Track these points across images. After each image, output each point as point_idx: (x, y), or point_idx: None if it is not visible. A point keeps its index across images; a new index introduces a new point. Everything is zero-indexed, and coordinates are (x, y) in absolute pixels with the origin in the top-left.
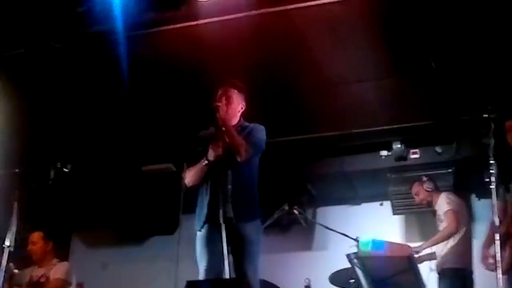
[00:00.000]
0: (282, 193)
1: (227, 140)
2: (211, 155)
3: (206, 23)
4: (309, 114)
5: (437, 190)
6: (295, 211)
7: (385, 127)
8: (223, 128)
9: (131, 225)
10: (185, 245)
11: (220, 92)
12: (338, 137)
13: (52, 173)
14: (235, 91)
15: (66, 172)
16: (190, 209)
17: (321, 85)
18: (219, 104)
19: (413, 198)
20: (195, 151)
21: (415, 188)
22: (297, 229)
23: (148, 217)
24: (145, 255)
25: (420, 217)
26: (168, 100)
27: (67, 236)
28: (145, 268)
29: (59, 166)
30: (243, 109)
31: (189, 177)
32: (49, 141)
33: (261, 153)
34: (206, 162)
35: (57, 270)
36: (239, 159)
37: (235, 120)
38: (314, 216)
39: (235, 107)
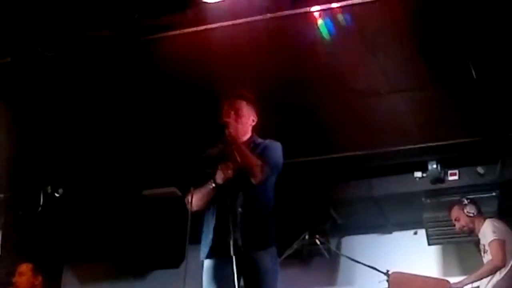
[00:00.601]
0: (302, 221)
1: (239, 160)
2: (219, 177)
3: (214, 28)
4: (333, 131)
5: (481, 215)
6: (317, 241)
7: (419, 145)
8: (234, 146)
9: (131, 258)
10: (192, 279)
11: (226, 105)
12: (366, 157)
13: (41, 198)
14: (244, 102)
15: (58, 197)
16: (198, 239)
17: (346, 97)
18: (228, 119)
19: (452, 225)
20: (201, 173)
21: (455, 212)
22: (319, 261)
23: (150, 248)
24: None
25: (460, 247)
26: (173, 114)
27: (58, 269)
28: None
29: (49, 191)
30: (255, 122)
31: (195, 201)
32: (39, 162)
33: (278, 173)
34: (214, 185)
35: None
36: (254, 182)
37: (246, 136)
38: (338, 246)
39: (246, 121)
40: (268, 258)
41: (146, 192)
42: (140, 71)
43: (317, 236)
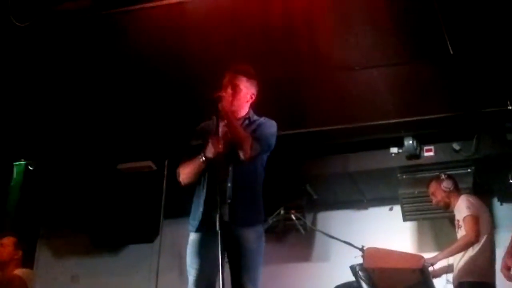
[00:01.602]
0: (277, 196)
1: (230, 134)
2: (209, 151)
3: (190, 1)
4: (308, 105)
5: (457, 190)
6: (292, 216)
7: (395, 120)
8: (226, 121)
9: (106, 232)
10: (167, 254)
11: (226, 79)
12: (342, 132)
13: (14, 171)
14: (244, 78)
15: (31, 170)
16: (173, 214)
17: (322, 71)
18: (223, 94)
19: (427, 201)
20: (193, 145)
21: (432, 187)
22: (295, 236)
23: (125, 223)
24: (121, 266)
25: (434, 223)
26: (148, 88)
27: (32, 243)
28: (121, 281)
29: (22, 164)
30: (253, 99)
31: (184, 174)
32: (11, 136)
33: (269, 151)
34: (204, 158)
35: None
36: (242, 157)
37: (242, 112)
38: (314, 222)
39: (243, 97)
40: (253, 236)
41: (121, 166)
42: (118, 45)
43: (293, 211)
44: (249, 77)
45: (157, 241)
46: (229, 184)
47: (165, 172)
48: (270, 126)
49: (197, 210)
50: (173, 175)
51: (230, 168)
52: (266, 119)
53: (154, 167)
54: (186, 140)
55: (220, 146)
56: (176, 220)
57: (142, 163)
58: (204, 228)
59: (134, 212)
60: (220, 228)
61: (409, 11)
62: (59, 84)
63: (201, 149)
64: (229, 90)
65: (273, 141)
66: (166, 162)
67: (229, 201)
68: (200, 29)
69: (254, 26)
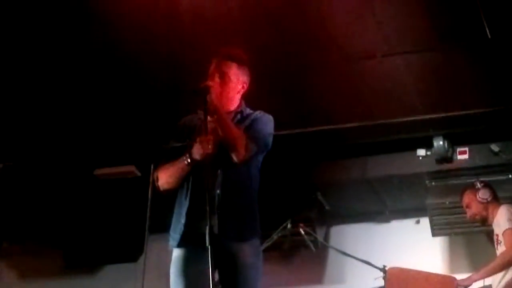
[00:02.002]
0: (284, 207)
1: (220, 132)
2: (197, 152)
3: None
4: (321, 100)
5: (496, 201)
6: (301, 231)
7: (423, 117)
8: (215, 116)
9: (81, 249)
10: (152, 275)
11: (212, 66)
12: (360, 131)
13: None
14: (234, 64)
15: None
16: (160, 228)
17: (338, 61)
18: (211, 83)
19: (460, 213)
20: (174, 144)
21: (466, 198)
22: (304, 255)
23: (104, 238)
24: None
25: (469, 239)
26: (129, 82)
27: None
28: None
29: None
30: (245, 89)
31: (163, 178)
32: None
33: (266, 151)
34: (189, 160)
35: None
36: (235, 159)
37: (233, 105)
38: (326, 237)
39: (233, 87)
40: (248, 251)
41: (98, 172)
42: (93, 34)
43: (301, 225)
44: (240, 63)
45: (141, 260)
46: (218, 191)
47: (151, 179)
48: (267, 121)
49: (179, 221)
50: None
51: (219, 172)
52: (262, 112)
53: (138, 173)
54: (165, 137)
55: (209, 146)
56: (164, 235)
57: (123, 168)
58: (188, 243)
59: (115, 226)
60: (211, 243)
61: None
62: (29, 79)
63: (185, 149)
64: (217, 79)
65: (270, 139)
66: (151, 167)
67: (218, 211)
68: (190, 11)
69: (255, 6)
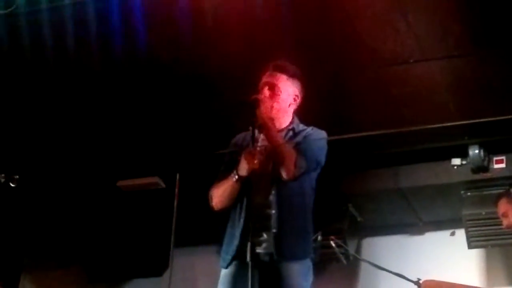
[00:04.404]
0: (314, 218)
1: (270, 150)
2: (243, 168)
3: None
4: (352, 106)
5: None
6: (332, 243)
7: (458, 124)
8: (264, 131)
9: (103, 263)
10: None
11: (263, 80)
12: (392, 139)
13: None
14: (283, 77)
15: (13, 187)
16: (186, 241)
17: (369, 66)
18: (259, 96)
19: (497, 224)
20: (227, 162)
21: (502, 206)
22: (335, 268)
23: (127, 252)
24: None
25: (506, 251)
26: (154, 87)
27: (15, 277)
28: None
29: (2, 180)
30: (297, 102)
31: (216, 197)
32: None
33: (318, 168)
34: (237, 177)
35: None
36: (285, 176)
37: (285, 120)
38: (358, 250)
39: (284, 100)
40: (301, 271)
41: (121, 183)
42: (119, 34)
43: (332, 237)
44: (290, 75)
45: (166, 274)
46: (273, 211)
47: (176, 190)
48: (319, 138)
49: (232, 242)
50: (186, 194)
51: (273, 192)
52: (314, 129)
53: (163, 185)
54: (219, 155)
55: (255, 161)
56: (189, 249)
57: (147, 179)
58: (239, 262)
59: (139, 239)
60: (252, 259)
61: None
62: (45, 81)
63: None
64: (267, 92)
65: (322, 156)
66: (177, 177)
67: (274, 230)
68: (217, 18)
69: (285, 11)
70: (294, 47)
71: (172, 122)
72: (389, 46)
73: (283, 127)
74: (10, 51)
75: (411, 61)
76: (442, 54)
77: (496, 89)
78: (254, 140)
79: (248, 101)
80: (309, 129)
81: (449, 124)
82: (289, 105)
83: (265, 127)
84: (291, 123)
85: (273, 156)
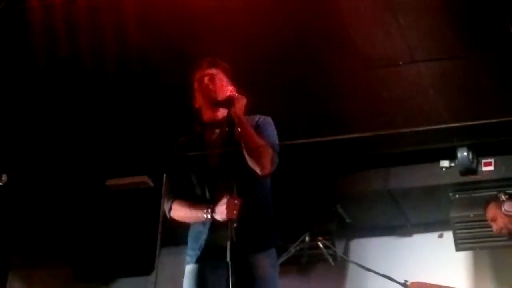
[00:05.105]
0: (302, 219)
1: (244, 147)
2: (220, 215)
3: None
4: (340, 108)
5: None
6: (320, 244)
7: (447, 125)
8: (239, 128)
9: (91, 262)
10: None
11: (200, 73)
12: (381, 141)
13: None
14: (219, 71)
15: (1, 185)
16: (173, 241)
17: (358, 67)
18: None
19: (486, 226)
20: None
21: (491, 211)
22: (323, 269)
23: (115, 251)
24: None
25: (494, 254)
26: (142, 87)
27: (2, 276)
28: None
29: None
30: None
31: (179, 217)
32: None
33: None
34: (209, 217)
35: None
36: (260, 173)
37: (222, 112)
38: (346, 251)
39: (228, 91)
40: (267, 262)
41: (110, 182)
42: (104, 34)
43: (320, 238)
44: (225, 71)
45: (153, 273)
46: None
47: (163, 190)
48: (272, 126)
49: (199, 237)
50: None
51: (234, 183)
52: (262, 116)
53: (151, 184)
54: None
55: (235, 212)
56: (177, 248)
57: (136, 178)
58: (207, 258)
59: (127, 238)
60: (231, 259)
61: None
62: (33, 80)
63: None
64: (208, 83)
65: (277, 143)
66: (164, 177)
67: (235, 224)
68: (204, 17)
69: (275, 12)
70: (284, 49)
71: (161, 121)
72: (379, 49)
73: (221, 117)
74: None
75: (401, 63)
76: (432, 56)
77: (485, 92)
78: (231, 138)
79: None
80: (259, 118)
81: (438, 126)
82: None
83: (241, 124)
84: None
85: (248, 153)
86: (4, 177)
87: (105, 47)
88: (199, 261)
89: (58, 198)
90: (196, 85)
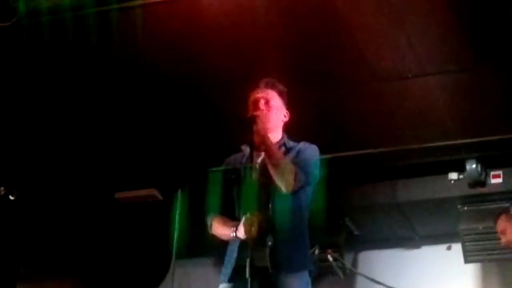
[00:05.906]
0: (311, 232)
1: (269, 165)
2: (240, 232)
3: None
4: (349, 123)
5: None
6: (329, 257)
7: (455, 141)
8: (263, 147)
9: (101, 275)
10: None
11: (255, 96)
12: (389, 154)
13: None
14: (275, 93)
15: (12, 200)
16: (186, 252)
17: (366, 81)
18: (258, 113)
19: (495, 238)
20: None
21: (502, 223)
22: (332, 281)
23: (125, 264)
24: None
25: (503, 266)
26: (152, 99)
27: (10, 287)
28: None
29: (2, 193)
30: (287, 119)
31: (217, 233)
32: None
33: (314, 183)
34: (234, 235)
35: None
36: (284, 189)
37: (277, 136)
38: (354, 263)
39: (278, 115)
40: (298, 284)
41: (119, 195)
42: (116, 50)
43: (329, 250)
44: (281, 92)
45: (162, 285)
46: (270, 225)
47: (178, 206)
48: (313, 152)
49: (231, 256)
50: (182, 206)
51: (270, 205)
52: (306, 143)
53: (160, 197)
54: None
55: (253, 229)
56: (186, 261)
57: (145, 191)
58: (239, 277)
59: (136, 251)
60: (251, 275)
61: (473, 7)
62: (43, 95)
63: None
64: (263, 106)
65: (317, 170)
66: (179, 193)
67: (270, 243)
68: (216, 30)
69: (280, 26)
70: (292, 63)
71: (170, 135)
72: (388, 62)
73: (274, 142)
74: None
75: (410, 76)
76: (440, 69)
77: (494, 105)
78: (252, 156)
79: (246, 118)
80: (302, 144)
81: (446, 140)
82: (281, 121)
83: (265, 143)
84: (282, 138)
85: (273, 170)
86: (16, 192)
87: (116, 57)
88: (231, 280)
89: (68, 210)
90: (251, 107)
